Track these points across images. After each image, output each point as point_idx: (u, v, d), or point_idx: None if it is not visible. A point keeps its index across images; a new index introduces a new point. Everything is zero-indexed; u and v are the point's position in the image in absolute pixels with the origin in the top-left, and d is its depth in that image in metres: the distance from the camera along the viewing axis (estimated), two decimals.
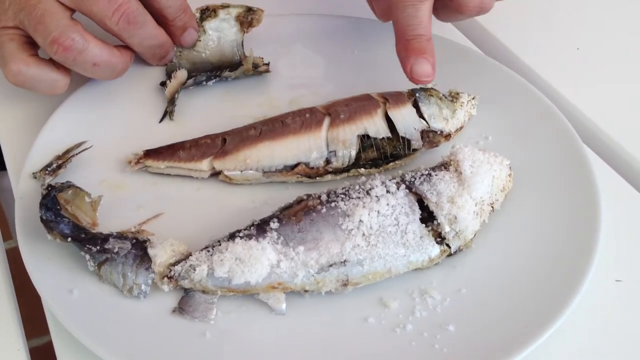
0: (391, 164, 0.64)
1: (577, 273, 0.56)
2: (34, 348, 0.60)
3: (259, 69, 0.72)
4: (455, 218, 0.57)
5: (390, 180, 0.58)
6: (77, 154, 0.64)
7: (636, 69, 0.80)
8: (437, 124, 0.66)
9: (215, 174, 0.64)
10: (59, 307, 0.53)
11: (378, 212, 0.56)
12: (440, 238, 0.57)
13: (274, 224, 0.56)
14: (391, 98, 0.66)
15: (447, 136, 0.67)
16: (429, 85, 0.73)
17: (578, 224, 0.60)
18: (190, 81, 0.71)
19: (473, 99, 0.70)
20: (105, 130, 0.67)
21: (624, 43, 0.83)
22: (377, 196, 0.57)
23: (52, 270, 0.55)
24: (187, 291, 0.55)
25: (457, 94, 0.69)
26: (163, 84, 0.71)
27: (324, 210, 0.56)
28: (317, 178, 0.63)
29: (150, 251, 0.56)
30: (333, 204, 0.56)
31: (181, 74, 0.70)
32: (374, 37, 0.78)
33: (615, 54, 0.82)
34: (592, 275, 0.56)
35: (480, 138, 0.68)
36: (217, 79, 0.72)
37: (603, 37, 0.84)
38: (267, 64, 0.72)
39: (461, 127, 0.68)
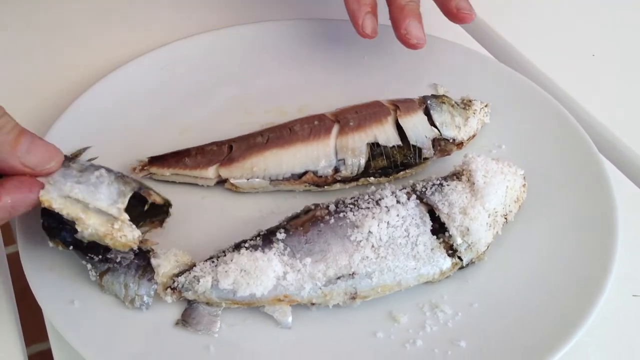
0: (401, 172, 0.63)
1: (593, 287, 0.54)
2: (35, 354, 0.59)
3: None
4: (468, 230, 0.55)
5: (400, 190, 0.57)
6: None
7: None
8: (449, 132, 0.64)
9: (222, 182, 0.62)
10: (59, 318, 0.52)
11: (388, 223, 0.54)
12: (451, 250, 0.55)
13: (281, 235, 0.54)
14: (402, 105, 0.64)
15: (459, 144, 0.65)
16: (441, 92, 0.71)
17: (594, 236, 0.58)
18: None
19: (486, 106, 0.68)
20: (108, 136, 0.66)
21: None
22: (387, 207, 0.55)
23: (52, 279, 0.54)
24: (190, 303, 0.54)
25: (470, 101, 0.68)
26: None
27: (332, 220, 0.55)
28: (326, 187, 0.62)
29: (154, 261, 0.54)
30: (341, 215, 0.55)
31: None
32: (384, 42, 0.77)
33: (632, 60, 0.80)
34: (609, 289, 0.54)
35: (493, 146, 0.67)
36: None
37: (619, 43, 0.82)
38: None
39: (474, 135, 0.66)
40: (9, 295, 0.58)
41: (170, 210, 0.56)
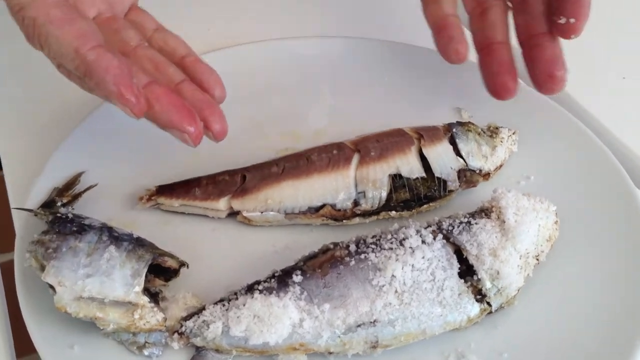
0: (425, 206, 0.59)
1: (631, 337, 0.50)
2: None
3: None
4: (498, 273, 0.51)
5: (425, 228, 0.53)
6: (82, 193, 0.59)
7: None
8: (475, 163, 0.60)
9: (233, 214, 0.59)
10: None
11: (412, 266, 0.50)
12: (480, 295, 0.52)
13: (297, 277, 0.50)
14: (426, 134, 0.60)
15: (486, 175, 0.61)
16: (465, 117, 0.67)
17: (632, 278, 0.54)
18: None
19: (514, 133, 0.64)
20: (113, 162, 0.62)
21: None
22: (411, 247, 0.51)
23: (52, 321, 0.51)
24: (198, 350, 0.50)
25: (497, 128, 0.64)
26: None
27: (352, 262, 0.51)
28: (344, 221, 0.58)
29: (162, 304, 0.51)
30: (363, 256, 0.51)
31: None
32: (407, 61, 0.73)
33: None
34: None
35: (522, 178, 0.63)
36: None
37: None
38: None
39: (501, 165, 0.62)
40: (1, 304, 0.55)
41: (183, 269, 0.53)
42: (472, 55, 0.74)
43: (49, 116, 0.69)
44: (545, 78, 0.60)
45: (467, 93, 0.70)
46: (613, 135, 0.69)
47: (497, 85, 0.62)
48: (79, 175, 0.60)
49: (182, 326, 0.50)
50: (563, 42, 0.70)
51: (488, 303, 0.52)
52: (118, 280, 0.49)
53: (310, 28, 0.79)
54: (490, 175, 0.62)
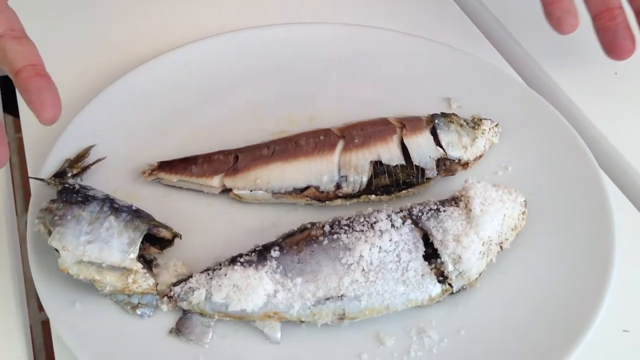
0: (403, 191, 0.63)
1: (582, 321, 0.54)
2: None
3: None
4: (460, 258, 0.56)
5: (396, 213, 0.58)
6: (91, 166, 0.64)
7: None
8: (454, 152, 0.65)
9: (226, 191, 0.64)
10: (60, 320, 0.54)
11: (380, 247, 0.55)
12: (442, 277, 0.56)
13: (275, 253, 0.56)
14: (409, 124, 0.64)
15: (465, 165, 0.65)
16: (454, 107, 0.71)
17: (589, 269, 0.58)
18: None
19: (496, 125, 0.68)
20: (121, 137, 0.68)
21: None
22: (380, 230, 0.56)
23: (57, 281, 0.57)
24: (185, 312, 0.56)
25: (480, 120, 0.68)
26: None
27: (325, 241, 0.56)
28: (327, 202, 0.63)
29: (155, 270, 0.57)
30: (335, 236, 0.56)
31: None
32: (401, 50, 0.77)
33: None
34: (598, 324, 0.54)
35: (500, 168, 0.67)
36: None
37: None
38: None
39: (480, 156, 0.66)
40: (19, 277, 0.61)
41: (176, 240, 0.59)
42: (465, 45, 0.77)
43: (63, 94, 0.75)
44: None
45: (457, 83, 0.74)
46: (597, 130, 0.73)
47: (618, 47, 0.70)
48: (89, 148, 0.66)
49: (171, 291, 0.56)
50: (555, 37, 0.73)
51: (450, 284, 0.56)
52: (115, 247, 0.55)
53: (311, 14, 0.83)
54: (470, 164, 0.66)
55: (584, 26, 0.79)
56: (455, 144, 0.65)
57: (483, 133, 0.66)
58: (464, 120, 0.67)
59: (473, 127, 0.67)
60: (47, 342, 0.58)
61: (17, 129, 0.74)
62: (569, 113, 0.73)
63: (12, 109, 0.77)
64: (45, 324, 0.59)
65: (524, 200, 0.61)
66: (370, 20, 0.80)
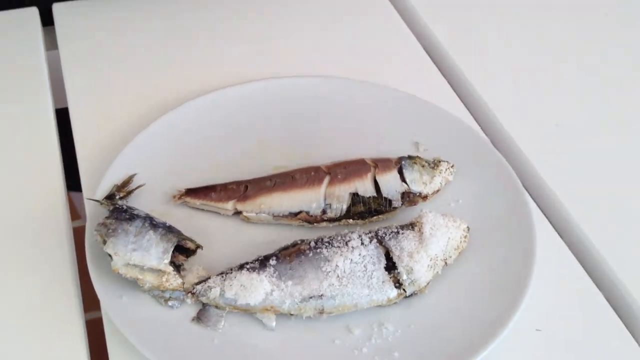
0: (375, 217, 0.81)
1: (500, 320, 0.71)
2: (90, 320, 0.77)
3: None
4: (412, 269, 0.73)
5: (366, 234, 0.75)
6: (134, 190, 0.83)
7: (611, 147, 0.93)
8: (416, 187, 0.82)
9: (238, 213, 0.82)
10: (111, 307, 0.72)
11: (351, 260, 0.73)
12: (398, 283, 0.74)
13: (273, 261, 0.73)
14: (381, 164, 0.82)
15: (425, 197, 0.83)
16: (421, 150, 0.89)
17: (511, 280, 0.74)
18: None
19: (452, 166, 0.85)
20: (157, 168, 0.84)
21: (601, 119, 0.97)
22: (352, 247, 0.74)
23: (109, 279, 0.74)
24: (204, 305, 0.73)
25: (439, 161, 0.85)
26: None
27: (310, 254, 0.74)
28: (315, 224, 0.81)
29: (182, 273, 0.75)
30: (318, 250, 0.74)
31: None
32: (383, 101, 0.94)
33: (593, 131, 0.96)
34: (514, 323, 0.70)
35: (453, 201, 0.84)
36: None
37: (582, 113, 0.98)
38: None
39: (438, 190, 0.84)
40: (73, 266, 0.77)
41: (198, 250, 0.75)
42: (429, 96, 0.95)
43: (117, 127, 0.93)
44: None
45: (425, 130, 0.91)
46: (536, 170, 0.90)
47: None
48: (132, 176, 0.84)
49: (194, 288, 0.73)
50: (515, 86, 0.91)
51: (404, 290, 0.74)
52: (153, 254, 0.72)
53: (310, 67, 1.01)
54: (429, 197, 0.83)
55: (532, 78, 0.97)
56: (417, 181, 0.83)
57: (440, 172, 0.84)
58: (426, 162, 0.85)
59: (433, 167, 0.84)
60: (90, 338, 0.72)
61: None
62: (513, 157, 0.91)
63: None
64: (89, 323, 0.76)
65: (467, 227, 0.78)
66: (353, 73, 0.98)
